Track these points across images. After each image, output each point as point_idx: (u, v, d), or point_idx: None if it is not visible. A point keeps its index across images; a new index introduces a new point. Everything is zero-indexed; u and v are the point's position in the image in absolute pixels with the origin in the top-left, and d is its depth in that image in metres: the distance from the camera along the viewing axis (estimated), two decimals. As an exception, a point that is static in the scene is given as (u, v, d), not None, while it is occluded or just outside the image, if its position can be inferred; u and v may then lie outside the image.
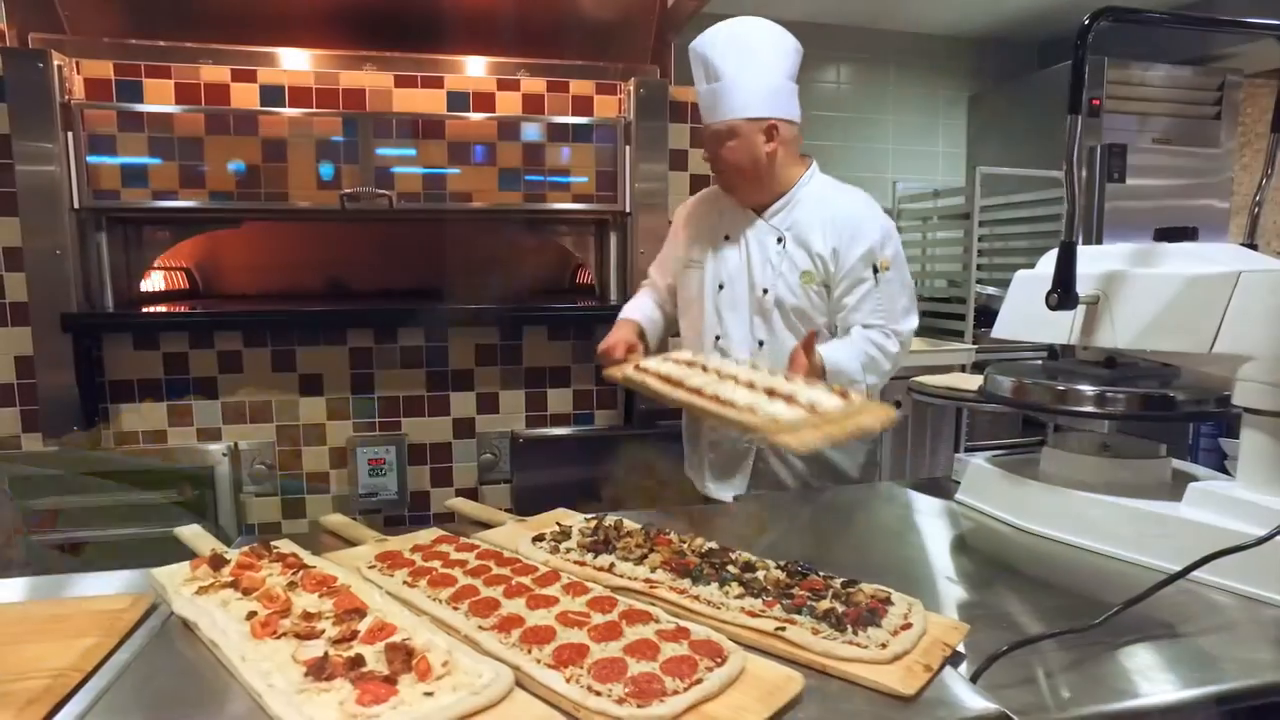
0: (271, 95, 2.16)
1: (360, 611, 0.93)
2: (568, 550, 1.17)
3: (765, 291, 1.74)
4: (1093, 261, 1.36)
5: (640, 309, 1.90)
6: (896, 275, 1.73)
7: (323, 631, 0.88)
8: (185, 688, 0.85)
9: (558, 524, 1.26)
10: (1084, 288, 1.32)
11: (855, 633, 0.91)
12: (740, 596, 1.01)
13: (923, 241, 4.09)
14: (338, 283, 2.90)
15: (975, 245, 3.49)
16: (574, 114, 2.33)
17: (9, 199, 2.01)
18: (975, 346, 3.43)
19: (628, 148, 2.32)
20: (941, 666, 0.86)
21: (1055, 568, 1.22)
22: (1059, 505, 1.34)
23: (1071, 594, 1.14)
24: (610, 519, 1.28)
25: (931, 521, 1.47)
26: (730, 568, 1.08)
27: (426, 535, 1.22)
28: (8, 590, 1.12)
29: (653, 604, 0.99)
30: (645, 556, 1.12)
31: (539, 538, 1.21)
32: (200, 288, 2.75)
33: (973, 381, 1.90)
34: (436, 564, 1.10)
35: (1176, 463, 1.42)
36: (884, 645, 0.88)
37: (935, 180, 4.17)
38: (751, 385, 1.39)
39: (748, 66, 1.67)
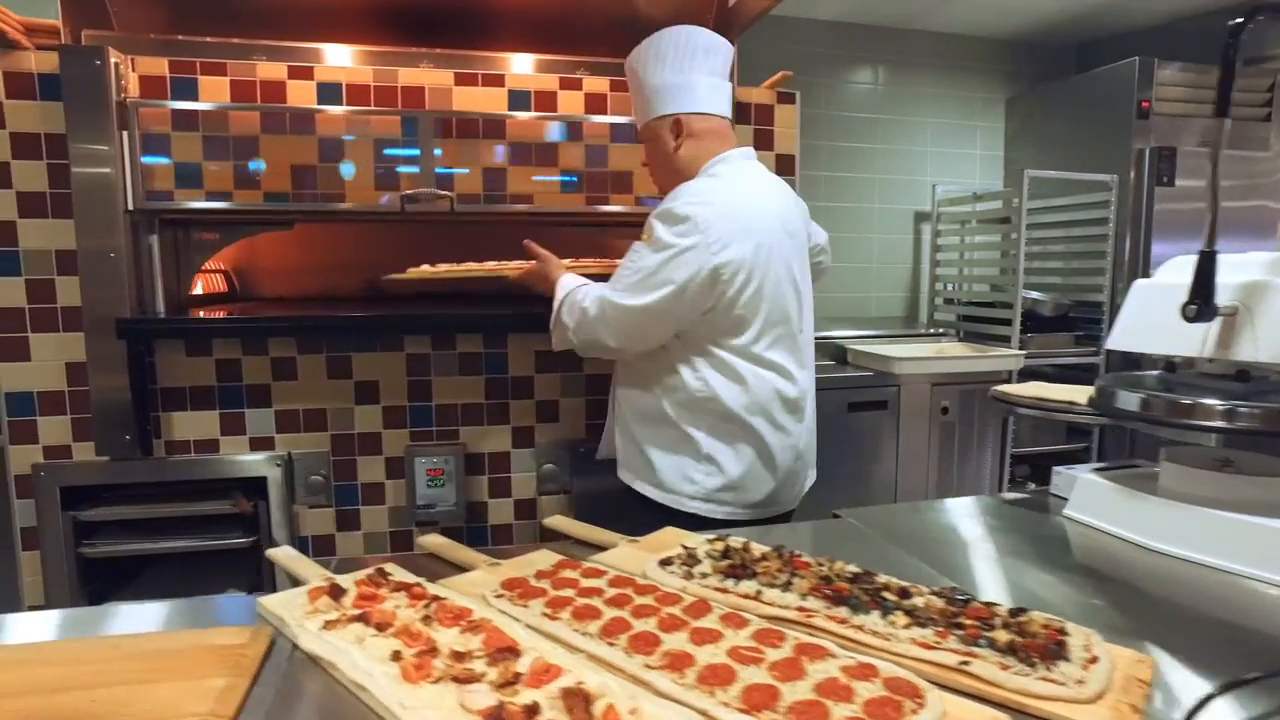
0: (329, 93, 2.08)
1: (514, 650, 0.86)
2: (703, 575, 1.10)
3: None
4: (1228, 271, 1.30)
5: None
6: (646, 249, 1.60)
7: (482, 675, 0.82)
8: (338, 735, 0.79)
9: (682, 546, 1.20)
10: (1219, 299, 1.26)
11: (1046, 668, 0.84)
12: (907, 626, 0.95)
13: (960, 245, 4.04)
14: (376, 286, 2.83)
15: (1023, 249, 3.43)
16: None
17: (64, 200, 1.94)
18: (1024, 352, 3.38)
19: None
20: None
21: (1194, 590, 1.16)
22: (1184, 523, 1.28)
23: (1228, 623, 1.08)
24: (736, 539, 1.21)
25: (1046, 540, 1.41)
26: (886, 594, 1.02)
27: (544, 559, 1.16)
28: (91, 619, 1.05)
29: (814, 634, 0.93)
30: (790, 582, 1.06)
31: (666, 561, 1.14)
32: (237, 291, 2.68)
33: (1058, 391, 1.84)
34: (569, 592, 1.03)
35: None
36: (1080, 681, 0.82)
37: (974, 183, 4.12)
38: None
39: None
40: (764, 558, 1.14)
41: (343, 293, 2.70)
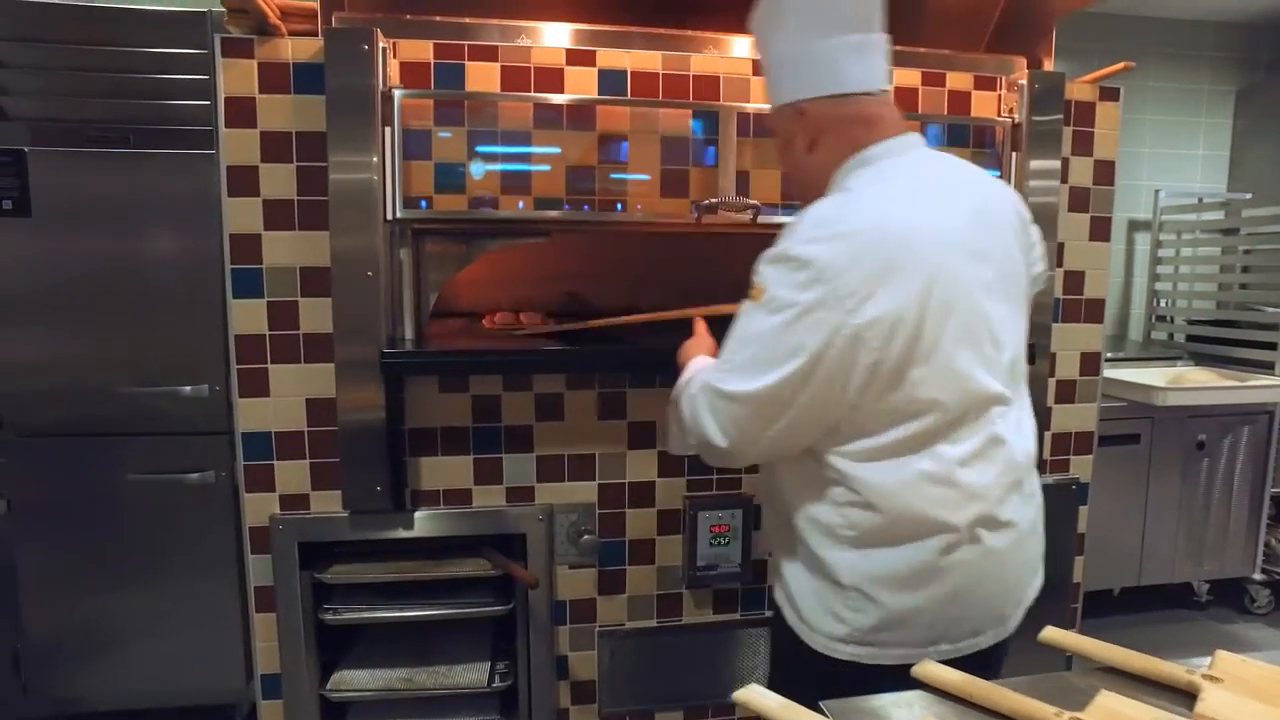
0: (611, 82, 1.77)
1: None
2: None
3: None
4: None
5: None
6: (758, 311, 1.11)
7: None
8: None
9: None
10: None
11: None
12: None
13: (1175, 259, 3.61)
14: (576, 298, 2.52)
15: (1289, 262, 3.00)
16: (950, 113, 1.92)
17: (310, 209, 1.66)
18: (1296, 380, 2.95)
19: (1015, 154, 1.90)
20: None
21: None
22: None
23: None
24: None
25: None
26: None
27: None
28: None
29: None
30: None
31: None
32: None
33: None
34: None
35: None
36: None
37: (1194, 186, 3.69)
38: None
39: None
40: None
41: (538, 306, 2.38)
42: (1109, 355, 3.32)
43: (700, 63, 1.79)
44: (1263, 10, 3.50)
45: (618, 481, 1.84)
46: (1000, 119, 1.93)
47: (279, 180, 1.66)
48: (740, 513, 1.85)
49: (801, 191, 1.28)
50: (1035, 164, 1.91)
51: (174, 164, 2.08)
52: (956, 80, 1.93)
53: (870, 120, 1.18)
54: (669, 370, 1.35)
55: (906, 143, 1.20)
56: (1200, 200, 3.53)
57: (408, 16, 1.75)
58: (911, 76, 1.90)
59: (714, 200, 1.75)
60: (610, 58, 1.76)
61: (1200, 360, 3.36)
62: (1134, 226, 3.67)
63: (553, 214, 1.76)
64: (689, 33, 1.82)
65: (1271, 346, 3.04)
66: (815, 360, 1.05)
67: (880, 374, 1.07)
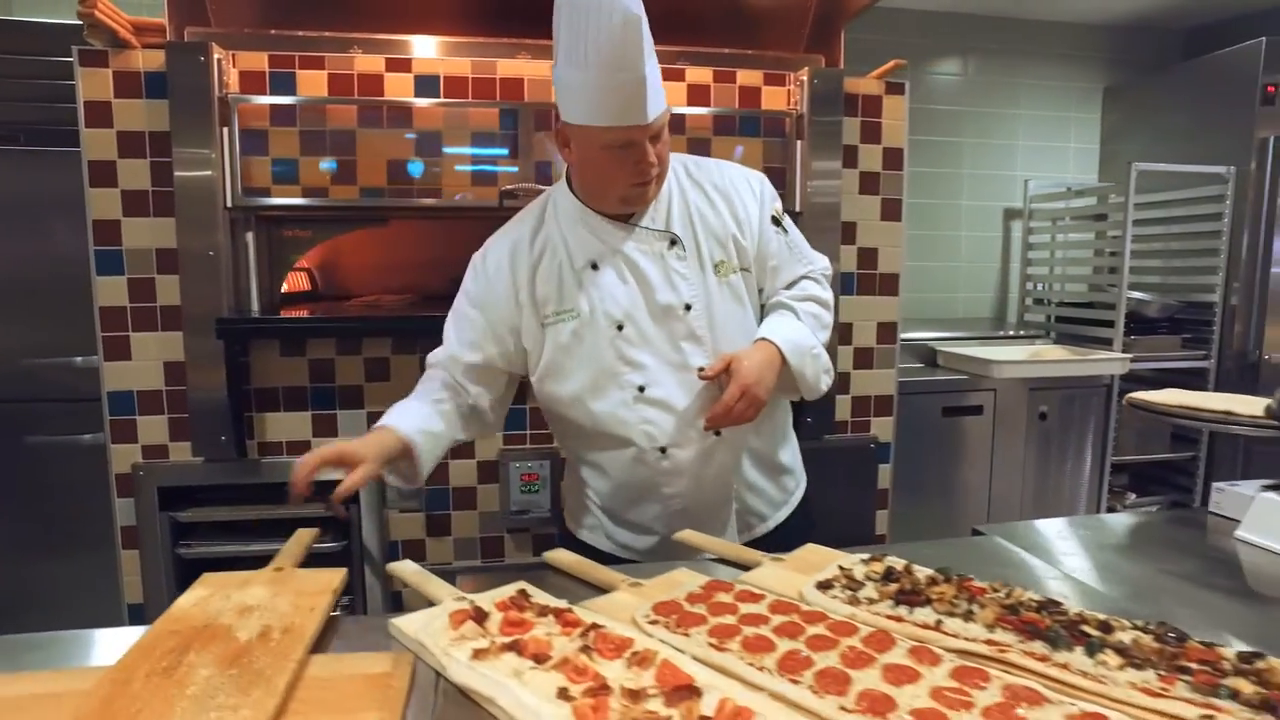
0: (426, 86, 2.03)
1: (692, 689, 0.77)
2: (870, 601, 1.00)
3: (688, 308, 1.34)
4: None
5: (406, 415, 1.33)
6: (787, 221, 1.47)
7: (667, 718, 0.73)
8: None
9: (839, 567, 1.10)
10: None
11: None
12: (1121, 668, 0.84)
13: (1050, 244, 3.84)
14: (460, 283, 2.78)
15: (1128, 246, 3.23)
16: (740, 107, 2.17)
17: (163, 199, 1.92)
18: (1129, 356, 3.18)
19: (799, 142, 2.15)
20: None
21: None
22: None
23: None
24: (897, 560, 1.11)
25: (1218, 565, 1.29)
26: (1086, 628, 0.91)
27: (691, 580, 1.07)
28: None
29: (1013, 673, 0.83)
30: (970, 612, 0.95)
31: (824, 584, 1.05)
32: (319, 289, 2.65)
33: (1211, 400, 1.69)
34: (731, 619, 0.94)
35: None
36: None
37: (1065, 177, 3.92)
38: None
39: (648, 50, 1.23)
40: (933, 582, 1.04)
41: (429, 290, 2.64)
42: (972, 334, 3.57)
43: (506, 67, 2.05)
44: (1125, 13, 3.72)
45: (441, 435, 2.10)
46: (788, 111, 2.18)
47: (135, 173, 1.93)
48: (548, 463, 2.10)
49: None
50: (817, 152, 2.15)
51: (61, 160, 2.33)
52: (747, 77, 2.18)
53: None
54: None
55: None
56: (1069, 190, 3.76)
57: (247, 30, 2.02)
58: (704, 74, 2.15)
59: (514, 187, 2.01)
60: (424, 65, 2.02)
61: (1063, 340, 3.60)
62: (1009, 215, 3.90)
63: (375, 203, 2.02)
64: (500, 40, 2.07)
65: (1111, 324, 3.27)
66: None
67: None
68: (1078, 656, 0.86)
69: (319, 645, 0.95)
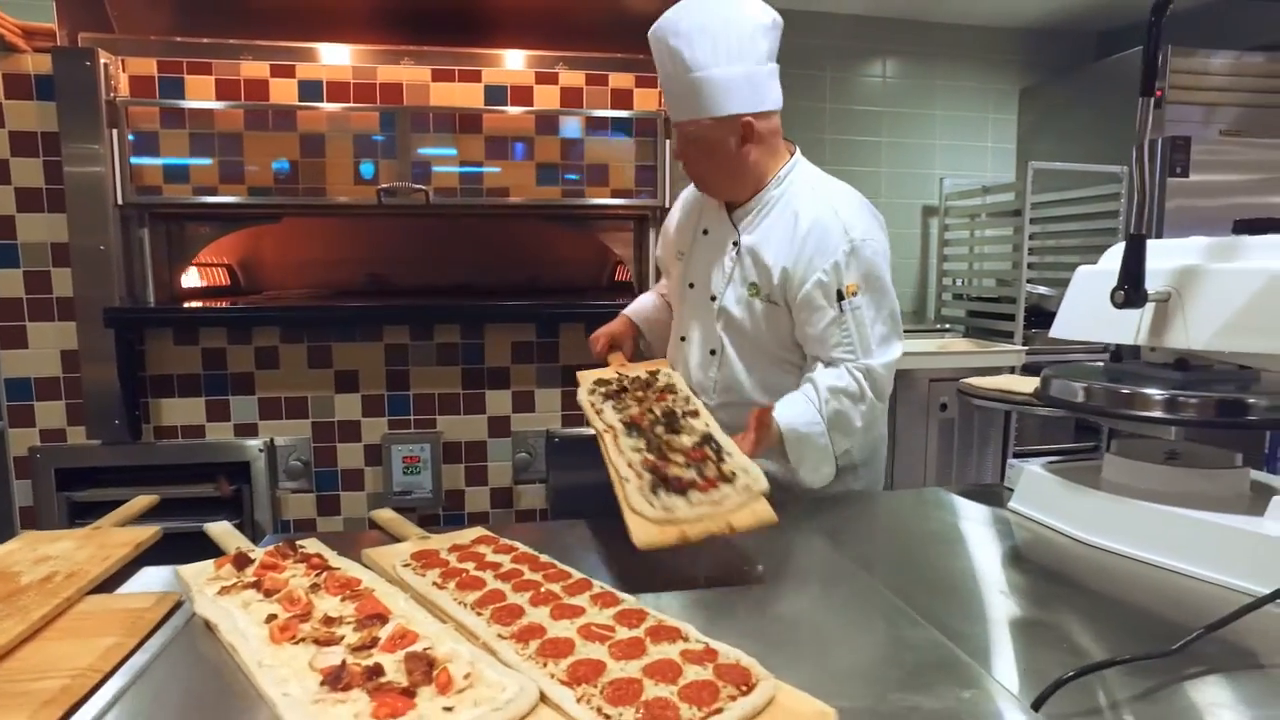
0: (310, 90, 2.15)
1: (382, 617, 0.89)
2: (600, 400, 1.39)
3: (714, 298, 1.54)
4: (1164, 256, 1.27)
5: (640, 305, 1.83)
6: (870, 300, 1.46)
7: (342, 638, 0.85)
8: (204, 692, 0.83)
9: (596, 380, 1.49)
10: (1154, 284, 1.23)
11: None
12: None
13: (970, 239, 3.97)
14: (378, 279, 2.91)
15: (1026, 243, 3.36)
16: (613, 107, 2.29)
17: (57, 196, 2.04)
18: (1026, 348, 3.31)
19: (668, 142, 2.27)
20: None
21: (1120, 585, 1.14)
22: (1124, 517, 1.25)
23: (1139, 615, 1.06)
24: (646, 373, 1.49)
25: (982, 530, 1.40)
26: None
27: (468, 535, 1.19)
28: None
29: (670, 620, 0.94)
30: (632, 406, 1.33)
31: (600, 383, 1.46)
32: (240, 284, 2.77)
33: (1026, 384, 1.81)
34: (470, 565, 1.06)
35: (1255, 474, 1.32)
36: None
37: (984, 176, 4.04)
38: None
39: (715, 54, 1.38)
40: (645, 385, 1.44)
41: (344, 286, 2.78)
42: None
43: (385, 72, 2.17)
44: (1038, 16, 3.85)
45: (328, 420, 2.23)
46: (658, 112, 2.30)
47: (28, 171, 2.05)
48: (429, 446, 2.23)
49: (718, 180, 1.53)
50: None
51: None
52: (619, 80, 2.30)
53: (779, 131, 1.53)
54: (361, 326, 1.91)
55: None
56: (983, 188, 3.88)
57: (152, 38, 2.14)
58: (577, 78, 2.27)
59: (391, 185, 2.13)
60: (308, 70, 2.14)
61: (974, 334, 3.73)
62: (927, 212, 4.03)
63: (262, 200, 2.14)
64: (383, 47, 2.19)
65: (1013, 318, 3.40)
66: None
67: None
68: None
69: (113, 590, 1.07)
